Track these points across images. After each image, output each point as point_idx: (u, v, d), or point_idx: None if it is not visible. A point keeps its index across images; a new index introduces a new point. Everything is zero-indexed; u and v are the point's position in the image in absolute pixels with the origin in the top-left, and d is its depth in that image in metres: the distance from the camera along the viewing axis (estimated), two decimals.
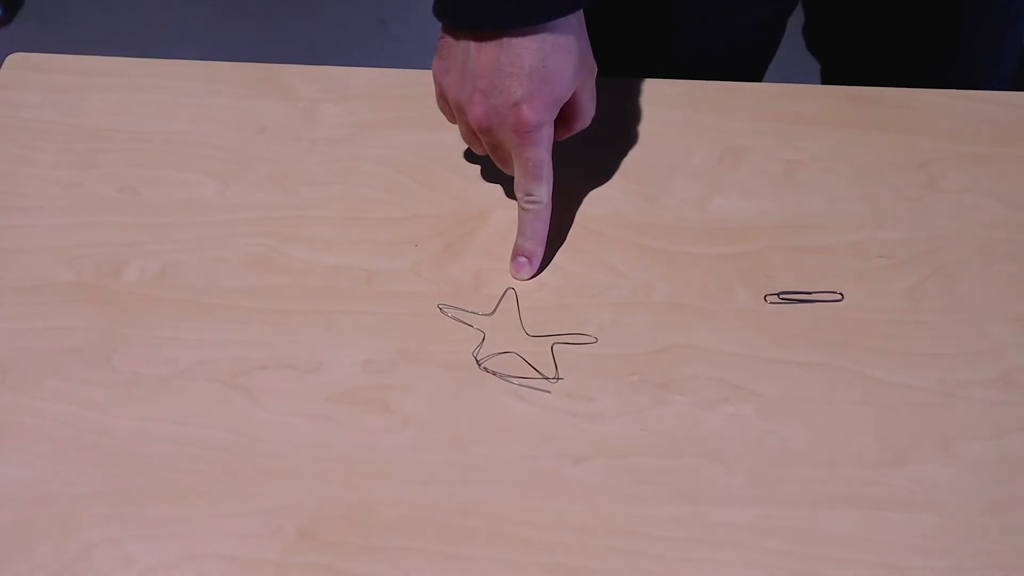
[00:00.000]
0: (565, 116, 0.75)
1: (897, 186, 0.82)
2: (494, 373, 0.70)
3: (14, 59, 0.89)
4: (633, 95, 0.87)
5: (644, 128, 0.84)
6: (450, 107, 0.76)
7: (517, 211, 0.77)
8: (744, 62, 1.09)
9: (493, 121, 0.73)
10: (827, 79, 1.16)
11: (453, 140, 0.83)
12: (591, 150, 0.83)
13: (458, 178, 0.82)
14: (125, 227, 0.78)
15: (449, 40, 0.73)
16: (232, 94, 0.87)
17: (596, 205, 0.80)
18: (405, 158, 0.83)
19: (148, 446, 0.67)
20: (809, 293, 0.76)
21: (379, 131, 0.85)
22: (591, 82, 0.75)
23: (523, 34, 0.70)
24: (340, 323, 0.73)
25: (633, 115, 0.85)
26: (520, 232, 0.76)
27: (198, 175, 0.81)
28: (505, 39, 0.70)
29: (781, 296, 0.75)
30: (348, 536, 0.64)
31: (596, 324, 0.73)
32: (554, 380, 0.70)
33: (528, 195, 0.75)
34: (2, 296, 0.74)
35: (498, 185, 0.81)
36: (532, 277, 0.76)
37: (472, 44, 0.72)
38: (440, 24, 0.73)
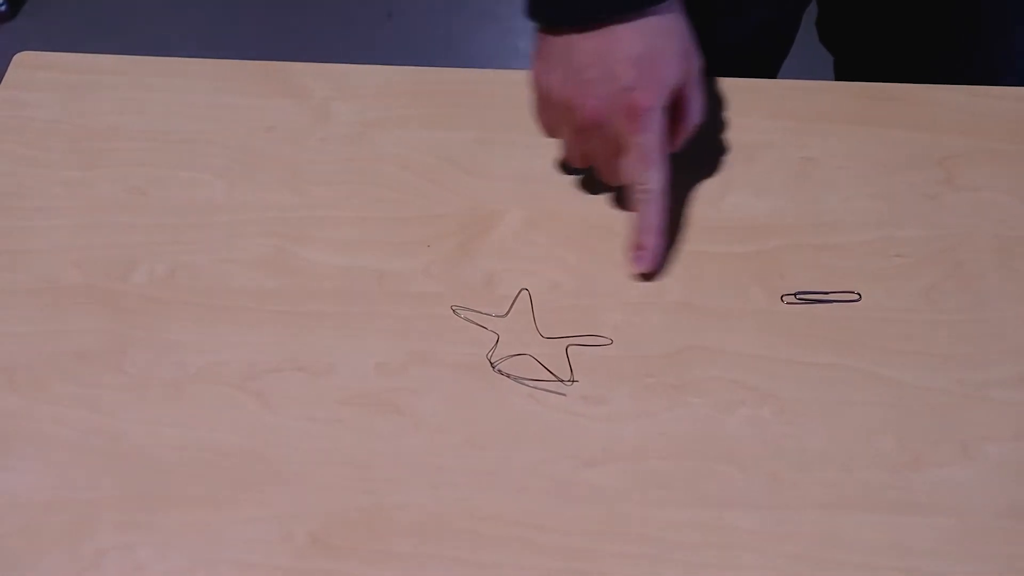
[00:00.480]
0: (675, 114, 0.74)
1: (914, 183, 0.81)
2: (508, 375, 0.70)
3: (21, 58, 0.88)
4: None
5: None
6: (550, 115, 0.75)
7: (632, 203, 0.75)
8: (758, 58, 1.08)
9: (604, 111, 0.71)
10: (840, 72, 1.14)
11: (465, 139, 0.83)
12: None
13: (471, 177, 0.81)
14: (133, 228, 0.77)
15: (548, 40, 0.72)
16: (241, 92, 0.86)
17: (609, 204, 0.79)
18: (417, 157, 0.82)
19: (158, 451, 0.66)
20: (826, 293, 0.75)
21: (390, 129, 0.84)
22: (696, 73, 0.74)
23: (626, 21, 0.70)
24: (352, 325, 0.72)
25: None
26: (636, 224, 0.75)
27: (207, 175, 0.80)
28: (608, 28, 0.70)
29: (798, 296, 0.74)
30: (360, 542, 0.63)
31: (610, 325, 0.72)
32: (569, 382, 0.70)
33: (642, 183, 0.74)
34: (9, 298, 0.73)
35: (511, 184, 0.80)
36: (654, 271, 0.74)
37: (575, 38, 0.71)
38: (536, 27, 0.72)
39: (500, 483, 0.66)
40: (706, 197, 0.80)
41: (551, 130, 0.77)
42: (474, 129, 0.84)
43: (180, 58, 0.88)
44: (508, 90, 0.86)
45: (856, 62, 1.12)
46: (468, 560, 0.63)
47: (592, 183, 0.80)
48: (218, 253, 0.76)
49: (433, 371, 0.70)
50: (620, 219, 0.78)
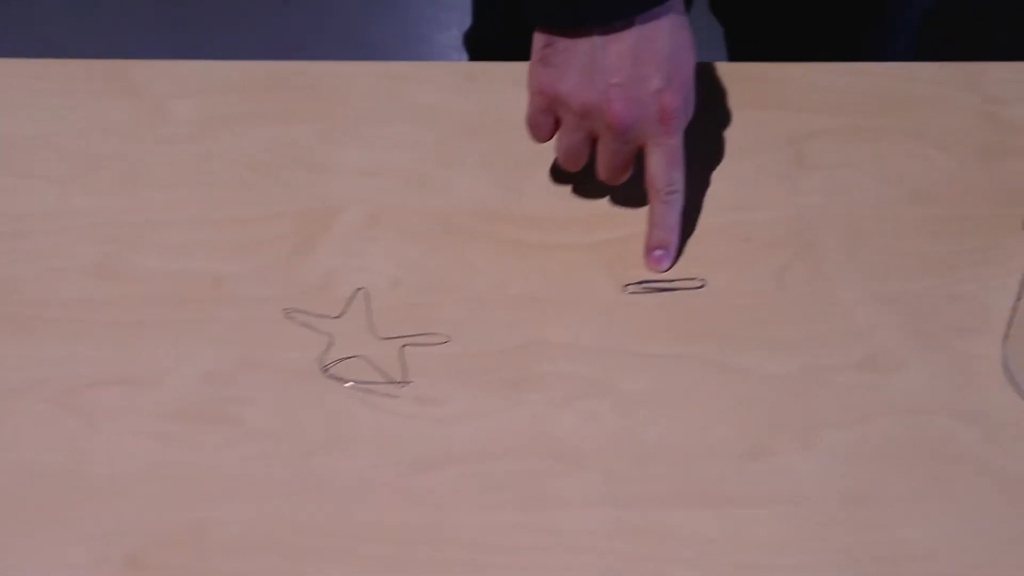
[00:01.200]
0: None
1: (765, 165, 0.80)
2: (339, 379, 0.68)
3: None
4: (497, 79, 0.83)
5: (507, 114, 0.80)
6: (552, 119, 0.73)
7: (650, 204, 0.73)
8: None
9: (635, 115, 0.69)
10: (731, 44, 1.13)
11: (308, 134, 0.80)
12: (451, 139, 0.80)
13: (311, 174, 0.79)
14: None
15: (562, 44, 0.69)
16: (78, 93, 0.83)
17: (455, 196, 0.77)
18: (257, 155, 0.80)
19: None
20: (671, 281, 0.73)
21: (230, 127, 0.81)
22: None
23: (653, 17, 0.68)
24: (183, 333, 0.70)
25: (497, 101, 0.82)
26: (657, 224, 0.73)
27: (37, 180, 0.78)
28: (636, 27, 0.68)
29: (641, 285, 0.73)
30: (180, 561, 0.61)
31: (450, 322, 0.71)
32: (402, 384, 0.68)
33: (671, 184, 0.72)
34: None
35: (354, 179, 0.78)
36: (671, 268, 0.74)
37: (598, 40, 0.68)
38: (542, 30, 0.70)
39: (329, 493, 0.64)
40: (555, 187, 0.78)
41: (546, 135, 0.74)
42: (317, 123, 0.82)
43: (14, 59, 0.85)
44: (352, 82, 0.84)
45: (746, 33, 1.11)
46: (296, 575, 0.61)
47: (436, 175, 0.78)
48: (46, 262, 0.73)
49: (263, 378, 0.68)
50: (465, 212, 0.76)
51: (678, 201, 0.74)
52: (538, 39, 0.71)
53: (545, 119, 0.73)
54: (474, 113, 0.82)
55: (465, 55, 1.18)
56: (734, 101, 0.84)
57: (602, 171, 0.74)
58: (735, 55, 1.14)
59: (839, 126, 0.82)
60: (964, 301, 0.72)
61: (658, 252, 0.73)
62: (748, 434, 0.66)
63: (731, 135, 0.81)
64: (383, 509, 0.63)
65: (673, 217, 0.74)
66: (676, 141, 0.72)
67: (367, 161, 0.79)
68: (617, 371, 0.69)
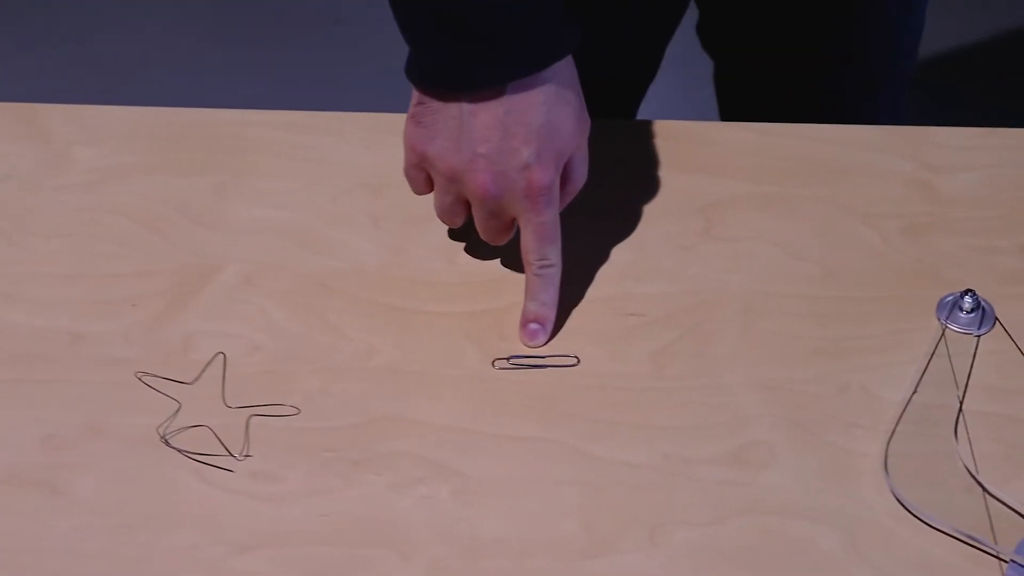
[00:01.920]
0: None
1: (670, 233, 0.76)
2: (178, 450, 0.65)
3: None
4: (389, 131, 0.80)
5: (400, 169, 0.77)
6: (426, 175, 0.71)
7: (526, 277, 0.71)
8: (620, 90, 1.04)
9: (501, 187, 0.67)
10: (720, 79, 1.10)
11: (204, 186, 0.79)
12: (348, 195, 0.78)
13: (199, 229, 0.77)
14: None
15: (432, 104, 0.67)
16: None
17: (337, 257, 0.75)
18: (149, 206, 0.78)
19: None
20: (543, 357, 0.69)
21: (128, 176, 0.80)
22: (586, 139, 0.70)
23: (526, 88, 0.65)
24: (29, 394, 0.68)
25: (389, 155, 0.79)
26: (532, 297, 0.70)
27: None
28: (507, 96, 0.65)
29: (511, 361, 0.69)
30: None
31: (303, 393, 0.68)
32: (241, 458, 0.65)
33: (543, 259, 0.69)
34: None
35: (239, 236, 0.76)
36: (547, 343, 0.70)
37: (467, 106, 0.66)
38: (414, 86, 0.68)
39: (145, 570, 0.61)
40: (443, 249, 0.75)
41: (421, 189, 0.72)
42: (215, 175, 0.80)
43: None
44: (257, 132, 0.83)
45: (736, 70, 1.08)
46: None
47: (315, 234, 0.76)
48: None
49: (104, 445, 0.66)
50: (343, 274, 0.74)
51: (553, 275, 0.70)
52: (414, 95, 0.69)
53: (418, 174, 0.71)
54: (375, 167, 0.80)
55: None
56: (652, 162, 0.80)
57: (480, 232, 0.71)
58: (723, 90, 1.11)
59: (759, 193, 0.78)
60: (854, 393, 0.67)
61: (533, 326, 0.70)
62: (593, 529, 0.62)
63: (640, 199, 0.78)
64: None
65: (548, 292, 0.70)
66: (548, 217, 0.68)
67: (256, 217, 0.77)
68: (466, 453, 0.65)
